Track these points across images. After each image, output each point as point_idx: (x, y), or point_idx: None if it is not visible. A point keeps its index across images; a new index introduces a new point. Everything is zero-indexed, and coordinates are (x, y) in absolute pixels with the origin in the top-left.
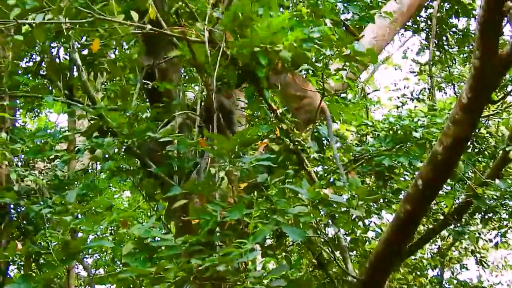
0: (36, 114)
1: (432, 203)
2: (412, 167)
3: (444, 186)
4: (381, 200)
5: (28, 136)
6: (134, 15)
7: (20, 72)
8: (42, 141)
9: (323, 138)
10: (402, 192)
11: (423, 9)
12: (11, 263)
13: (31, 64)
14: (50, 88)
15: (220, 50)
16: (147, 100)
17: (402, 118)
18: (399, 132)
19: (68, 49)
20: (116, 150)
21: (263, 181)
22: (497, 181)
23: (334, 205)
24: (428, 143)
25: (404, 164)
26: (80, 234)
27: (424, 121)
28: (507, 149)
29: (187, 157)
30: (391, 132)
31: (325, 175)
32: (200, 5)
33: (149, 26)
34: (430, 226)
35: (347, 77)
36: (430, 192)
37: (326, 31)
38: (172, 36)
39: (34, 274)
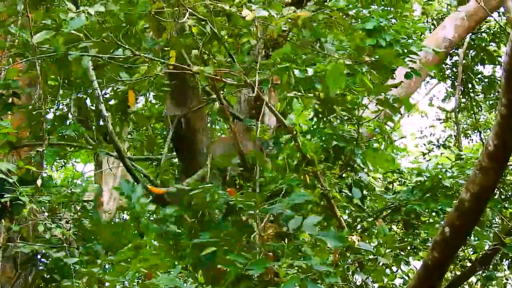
0: (63, 164)
1: (460, 249)
2: (440, 215)
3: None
4: (409, 247)
5: (55, 186)
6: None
7: (51, 117)
8: (70, 190)
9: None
10: (430, 239)
11: (449, 56)
12: None
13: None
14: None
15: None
16: (174, 148)
17: (430, 170)
18: (427, 183)
19: (96, 99)
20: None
21: (291, 228)
22: None
23: (362, 252)
24: (456, 192)
25: (431, 212)
26: (107, 284)
27: (452, 172)
28: None
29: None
30: (419, 182)
31: (354, 222)
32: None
33: (196, 67)
34: (458, 273)
35: (377, 124)
36: (457, 239)
37: (365, 80)
38: (216, 79)
39: None
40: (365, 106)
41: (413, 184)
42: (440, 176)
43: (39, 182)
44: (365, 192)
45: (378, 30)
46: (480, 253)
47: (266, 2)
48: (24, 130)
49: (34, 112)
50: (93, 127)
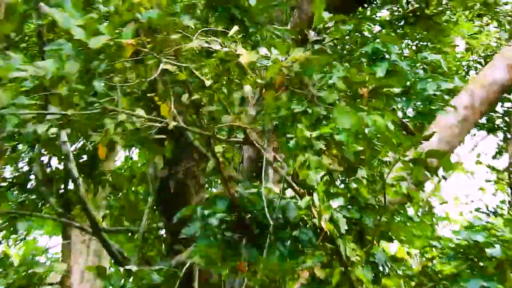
0: (23, 237)
1: None
2: None
3: None
4: None
5: (10, 265)
6: (141, 111)
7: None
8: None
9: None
10: None
11: (499, 103)
12: None
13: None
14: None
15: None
16: (162, 215)
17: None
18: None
19: (64, 156)
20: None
21: None
22: None
23: None
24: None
25: None
26: None
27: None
28: None
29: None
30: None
31: None
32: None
33: (173, 123)
34: None
35: (407, 187)
36: None
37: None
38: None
39: None
40: (392, 164)
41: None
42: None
43: None
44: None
45: (379, 54)
46: None
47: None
48: None
49: None
50: (60, 191)
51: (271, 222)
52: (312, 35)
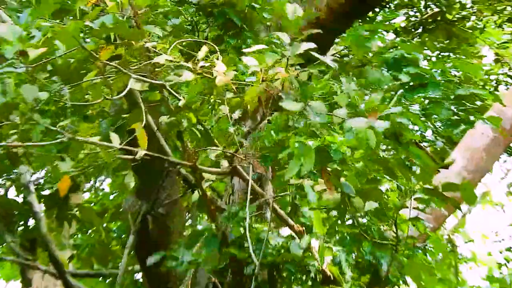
0: None
1: None
2: None
3: None
4: None
5: None
6: (115, 137)
7: None
8: None
9: None
10: None
11: None
12: None
13: None
14: None
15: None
16: (137, 258)
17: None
18: None
19: (22, 189)
20: None
21: None
22: None
23: None
24: None
25: None
26: None
27: None
28: None
29: None
30: None
31: None
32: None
33: (142, 152)
34: None
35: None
36: None
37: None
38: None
39: None
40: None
41: None
42: None
43: None
44: None
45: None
46: None
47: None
48: None
49: None
50: (18, 228)
51: (256, 262)
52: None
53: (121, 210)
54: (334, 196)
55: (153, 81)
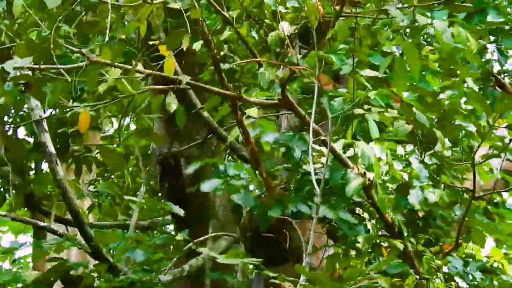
0: None
1: None
2: None
3: None
4: None
5: None
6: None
7: None
8: None
9: None
10: None
11: None
12: None
13: None
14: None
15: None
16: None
17: None
18: None
19: (35, 126)
20: None
21: None
22: None
23: None
24: None
25: None
26: None
27: None
28: None
29: None
30: None
31: None
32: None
33: (186, 78)
34: None
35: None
36: None
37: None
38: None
39: None
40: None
41: None
42: None
43: None
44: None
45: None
46: None
47: None
48: None
49: None
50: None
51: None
52: None
53: (149, 152)
54: (405, 127)
55: None
